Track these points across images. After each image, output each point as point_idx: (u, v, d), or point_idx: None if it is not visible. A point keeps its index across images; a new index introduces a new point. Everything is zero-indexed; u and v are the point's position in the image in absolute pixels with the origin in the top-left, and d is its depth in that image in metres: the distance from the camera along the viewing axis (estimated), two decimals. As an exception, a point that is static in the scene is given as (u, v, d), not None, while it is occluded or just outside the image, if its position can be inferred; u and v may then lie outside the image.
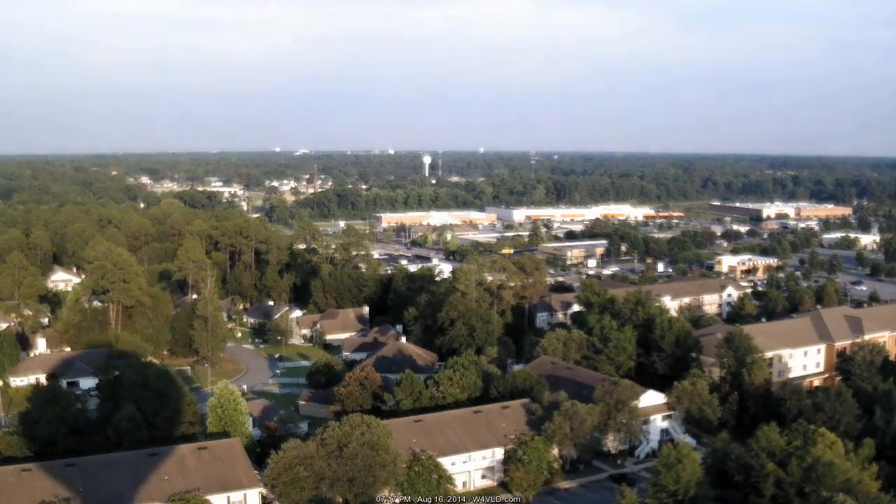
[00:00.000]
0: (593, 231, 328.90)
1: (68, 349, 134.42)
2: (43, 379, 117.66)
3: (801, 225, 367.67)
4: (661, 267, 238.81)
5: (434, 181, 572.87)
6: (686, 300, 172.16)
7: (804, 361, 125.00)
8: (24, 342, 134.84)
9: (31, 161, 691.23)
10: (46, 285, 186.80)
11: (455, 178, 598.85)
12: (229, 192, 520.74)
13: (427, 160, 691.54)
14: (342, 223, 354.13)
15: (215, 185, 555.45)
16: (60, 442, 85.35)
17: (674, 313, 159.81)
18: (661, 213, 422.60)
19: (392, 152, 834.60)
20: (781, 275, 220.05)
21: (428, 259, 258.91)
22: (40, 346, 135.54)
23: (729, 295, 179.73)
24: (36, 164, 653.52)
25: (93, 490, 70.77)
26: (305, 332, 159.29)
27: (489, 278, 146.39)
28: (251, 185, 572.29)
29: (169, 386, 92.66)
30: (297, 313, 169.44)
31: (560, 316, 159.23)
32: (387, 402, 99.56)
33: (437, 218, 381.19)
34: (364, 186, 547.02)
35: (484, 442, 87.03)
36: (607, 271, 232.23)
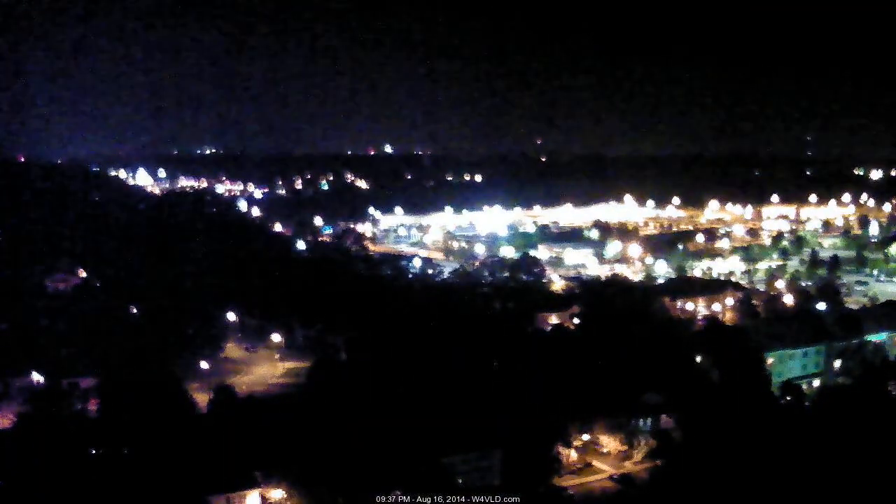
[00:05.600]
0: (592, 231, 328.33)
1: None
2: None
3: (802, 224, 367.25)
4: (660, 267, 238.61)
5: (434, 181, 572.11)
6: (686, 300, 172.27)
7: (804, 361, 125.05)
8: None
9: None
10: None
11: (454, 178, 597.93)
12: (227, 191, 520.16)
13: (426, 160, 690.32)
14: (342, 223, 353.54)
15: (215, 184, 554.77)
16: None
17: (673, 313, 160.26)
18: (661, 213, 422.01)
19: (390, 151, 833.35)
20: (781, 274, 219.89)
21: (428, 259, 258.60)
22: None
23: (729, 295, 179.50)
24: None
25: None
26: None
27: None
28: (250, 183, 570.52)
29: (169, 386, 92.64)
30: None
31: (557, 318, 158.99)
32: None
33: (436, 218, 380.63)
34: (363, 186, 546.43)
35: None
36: (607, 272, 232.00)
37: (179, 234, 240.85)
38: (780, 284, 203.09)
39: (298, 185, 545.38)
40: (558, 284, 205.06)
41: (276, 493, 78.70)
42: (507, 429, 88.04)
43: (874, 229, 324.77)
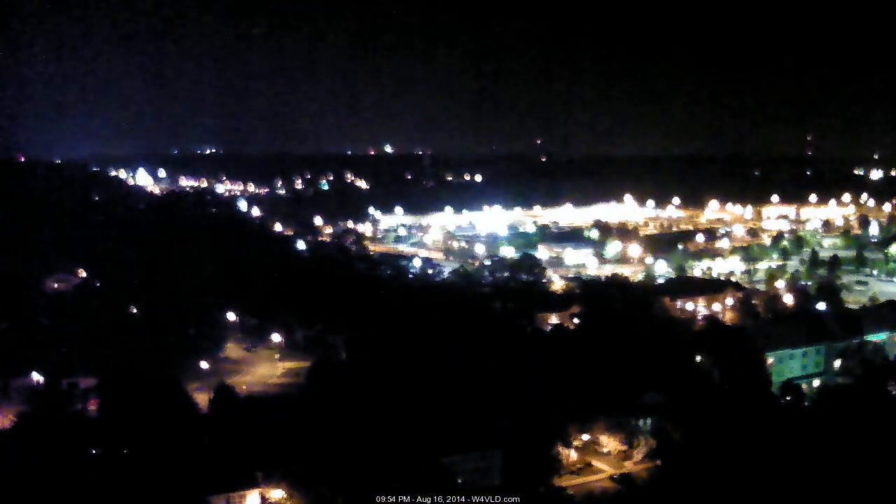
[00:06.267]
0: (592, 231, 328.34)
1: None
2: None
3: (802, 224, 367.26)
4: (660, 267, 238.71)
5: (433, 181, 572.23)
6: (686, 300, 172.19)
7: (804, 361, 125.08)
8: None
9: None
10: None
11: (454, 178, 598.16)
12: (227, 191, 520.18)
13: (426, 160, 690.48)
14: (342, 223, 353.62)
15: (215, 184, 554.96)
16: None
17: (673, 313, 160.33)
18: (661, 213, 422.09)
19: (390, 151, 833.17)
20: (781, 274, 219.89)
21: (428, 259, 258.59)
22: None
23: (729, 295, 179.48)
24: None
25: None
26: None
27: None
28: (250, 183, 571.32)
29: (169, 386, 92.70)
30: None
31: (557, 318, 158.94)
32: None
33: (436, 218, 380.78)
34: (363, 186, 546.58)
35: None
36: (607, 272, 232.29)
37: (179, 234, 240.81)
38: (780, 284, 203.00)
39: (298, 185, 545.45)
40: (558, 284, 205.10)
41: (276, 493, 78.73)
42: (507, 429, 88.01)
43: (874, 229, 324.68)
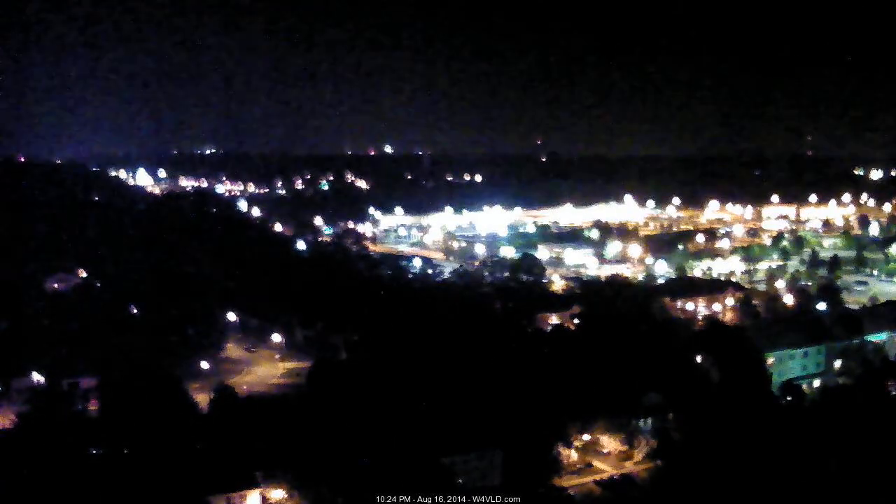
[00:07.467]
0: (592, 231, 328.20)
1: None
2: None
3: (802, 224, 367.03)
4: (660, 267, 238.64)
5: (433, 181, 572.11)
6: (686, 300, 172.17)
7: (804, 362, 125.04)
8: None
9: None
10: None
11: (454, 178, 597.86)
12: (227, 191, 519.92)
13: (426, 160, 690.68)
14: (342, 223, 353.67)
15: (215, 184, 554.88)
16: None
17: (673, 313, 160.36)
18: (661, 213, 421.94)
19: (390, 151, 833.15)
20: (781, 274, 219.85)
21: (428, 259, 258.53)
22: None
23: (729, 295, 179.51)
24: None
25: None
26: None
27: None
28: (250, 183, 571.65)
29: (169, 385, 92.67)
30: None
31: (557, 318, 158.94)
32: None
33: (436, 218, 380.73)
34: (363, 186, 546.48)
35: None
36: (607, 272, 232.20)
37: (179, 234, 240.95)
38: (780, 284, 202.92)
39: (298, 185, 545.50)
40: (558, 284, 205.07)
41: (276, 493, 78.80)
42: (507, 429, 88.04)
43: (874, 229, 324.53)
